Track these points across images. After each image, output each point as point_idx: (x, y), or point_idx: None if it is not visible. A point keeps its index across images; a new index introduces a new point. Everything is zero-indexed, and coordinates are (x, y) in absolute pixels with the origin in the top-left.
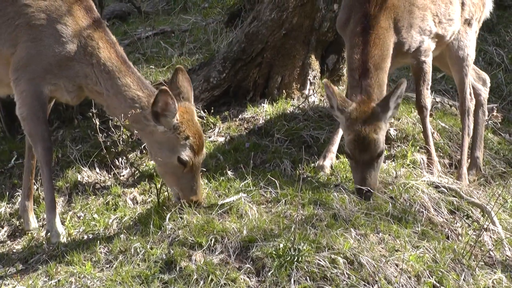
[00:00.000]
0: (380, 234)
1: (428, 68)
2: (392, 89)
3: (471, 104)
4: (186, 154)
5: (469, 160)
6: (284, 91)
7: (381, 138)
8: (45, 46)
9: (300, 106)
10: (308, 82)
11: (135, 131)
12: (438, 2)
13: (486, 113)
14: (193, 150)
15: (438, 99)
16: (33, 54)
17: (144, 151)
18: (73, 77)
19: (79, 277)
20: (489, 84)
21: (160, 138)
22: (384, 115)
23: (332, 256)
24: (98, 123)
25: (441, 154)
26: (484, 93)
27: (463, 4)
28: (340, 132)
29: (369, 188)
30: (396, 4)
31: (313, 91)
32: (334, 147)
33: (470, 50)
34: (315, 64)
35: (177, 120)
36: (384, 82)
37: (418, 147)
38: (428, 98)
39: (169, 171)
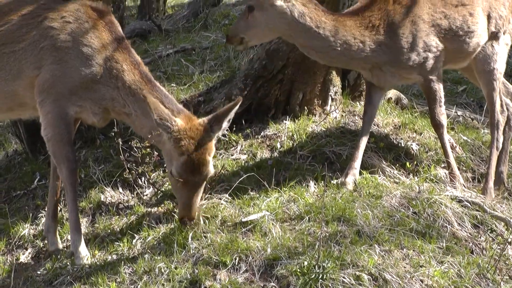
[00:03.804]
0: (404, 250)
1: (437, 85)
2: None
3: (501, 117)
4: (177, 170)
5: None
6: (305, 107)
7: None
8: (70, 68)
9: (322, 122)
10: (330, 98)
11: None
12: (453, 16)
13: None
14: (186, 167)
15: (459, 113)
16: (58, 75)
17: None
18: (99, 99)
19: None
20: None
21: (167, 148)
22: None
23: (357, 273)
24: (120, 142)
25: (464, 168)
26: None
27: (489, 17)
28: (362, 147)
29: None
30: (398, 10)
31: (335, 107)
32: (356, 163)
33: (498, 64)
34: (336, 80)
35: (176, 132)
36: None
37: (440, 162)
38: (442, 115)
39: (170, 181)
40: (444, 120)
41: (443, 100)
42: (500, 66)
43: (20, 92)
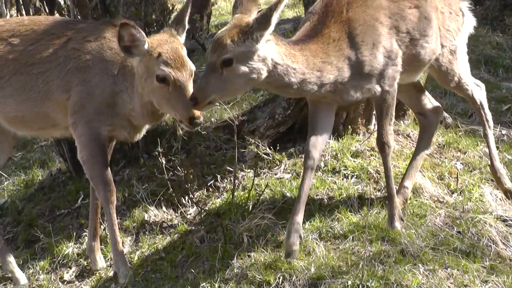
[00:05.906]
0: (449, 269)
1: (392, 100)
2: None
3: (482, 95)
4: (161, 69)
5: None
6: (349, 126)
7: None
8: (93, 87)
9: (366, 141)
10: (373, 117)
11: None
12: (409, 17)
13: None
14: (169, 65)
15: (504, 132)
16: (85, 96)
17: (210, 189)
18: (122, 111)
19: None
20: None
21: (142, 67)
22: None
23: None
24: (164, 162)
25: None
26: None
27: (439, 29)
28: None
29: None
30: (353, 17)
31: None
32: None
33: (462, 73)
34: None
35: (148, 44)
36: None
37: (485, 181)
38: (391, 135)
39: (159, 97)
40: (391, 141)
41: (393, 118)
42: (464, 73)
43: (51, 114)
